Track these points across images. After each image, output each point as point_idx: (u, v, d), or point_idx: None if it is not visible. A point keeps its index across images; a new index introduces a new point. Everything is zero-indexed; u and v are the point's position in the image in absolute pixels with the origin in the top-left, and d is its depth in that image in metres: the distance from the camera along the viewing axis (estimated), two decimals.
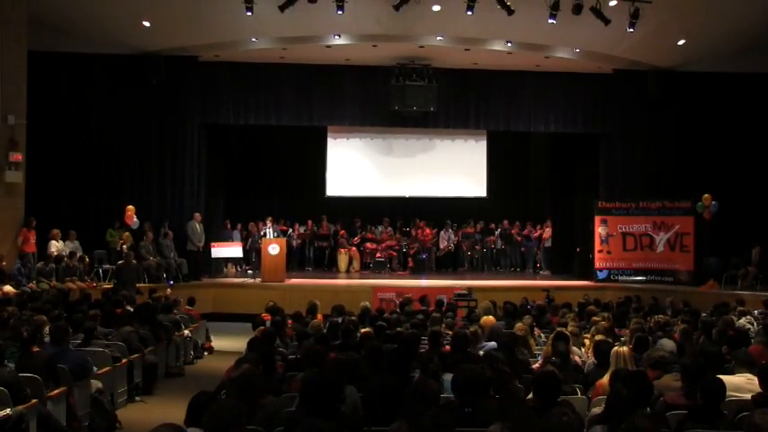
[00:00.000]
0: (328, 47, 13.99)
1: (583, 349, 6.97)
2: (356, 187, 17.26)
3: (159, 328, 8.97)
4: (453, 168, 17.30)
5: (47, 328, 6.84)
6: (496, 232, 17.61)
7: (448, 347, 6.33)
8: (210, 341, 11.37)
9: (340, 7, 11.66)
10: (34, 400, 5.36)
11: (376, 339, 6.66)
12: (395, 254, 17.11)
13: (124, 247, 12.90)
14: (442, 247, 17.51)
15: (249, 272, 15.86)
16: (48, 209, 13.62)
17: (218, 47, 14.36)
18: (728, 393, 4.32)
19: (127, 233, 13.33)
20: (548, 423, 3.25)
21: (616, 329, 7.81)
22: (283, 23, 12.56)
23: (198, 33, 13.76)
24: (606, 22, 12.03)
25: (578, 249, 16.34)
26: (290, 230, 17.13)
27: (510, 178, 18.78)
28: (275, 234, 15.82)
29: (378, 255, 16.78)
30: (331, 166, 17.19)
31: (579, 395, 5.22)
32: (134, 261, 12.58)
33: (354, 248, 17.14)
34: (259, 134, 17.63)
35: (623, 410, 3.70)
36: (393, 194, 17.44)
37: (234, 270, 16.23)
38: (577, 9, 11.76)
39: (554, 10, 11.76)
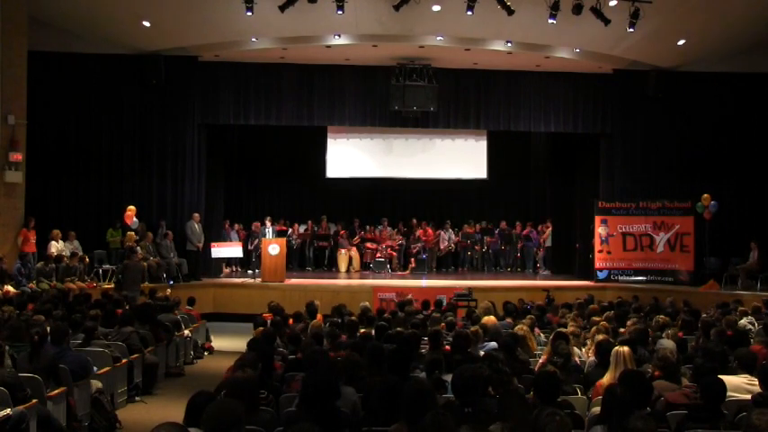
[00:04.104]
0: (328, 47, 13.98)
1: (583, 349, 6.97)
2: (356, 171, 17.30)
3: (159, 328, 8.98)
4: (453, 168, 17.34)
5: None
6: (496, 232, 17.62)
7: (448, 347, 6.33)
8: (210, 341, 11.38)
9: (340, 7, 11.66)
10: (34, 400, 5.36)
11: (376, 339, 6.66)
12: (395, 254, 17.12)
13: (139, 249, 12.86)
14: (442, 247, 17.52)
15: (249, 272, 15.86)
16: (48, 209, 13.64)
17: (218, 47, 14.36)
18: (728, 394, 4.32)
19: (131, 233, 13.33)
20: (538, 423, 3.27)
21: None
22: (283, 23, 12.56)
23: (198, 33, 13.76)
24: (606, 22, 12.02)
25: (577, 245, 16.35)
26: (290, 230, 17.14)
27: (509, 178, 18.84)
28: (273, 234, 15.84)
29: (378, 255, 16.78)
30: (331, 162, 17.26)
31: (579, 395, 5.23)
32: (143, 262, 12.63)
33: (354, 248, 17.15)
34: (259, 134, 17.67)
35: (619, 410, 3.71)
36: (393, 176, 17.43)
37: (228, 270, 16.24)
38: (577, 9, 11.76)
39: (554, 10, 11.76)
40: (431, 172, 17.32)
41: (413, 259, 16.91)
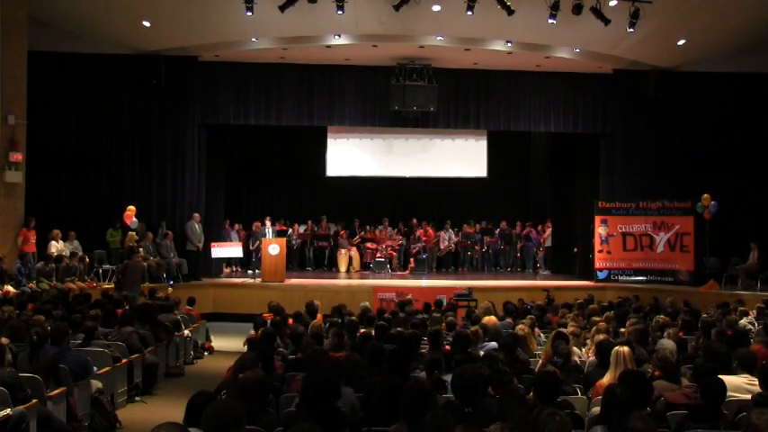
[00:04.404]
0: (328, 47, 13.98)
1: (583, 349, 6.97)
2: (356, 170, 17.28)
3: (159, 328, 8.98)
4: (454, 168, 17.34)
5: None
6: (496, 232, 17.63)
7: (448, 347, 6.33)
8: (210, 341, 11.37)
9: (340, 7, 11.67)
10: (34, 401, 5.36)
11: (376, 339, 6.66)
12: (395, 254, 17.12)
13: (141, 251, 12.87)
14: (442, 247, 17.53)
15: (249, 272, 15.84)
16: (48, 209, 13.64)
17: (218, 47, 14.35)
18: (729, 393, 4.32)
19: (132, 233, 13.34)
20: (538, 424, 3.27)
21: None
22: (283, 23, 12.56)
23: (198, 33, 13.76)
24: (606, 22, 12.03)
25: (575, 248, 16.34)
26: (290, 230, 17.14)
27: (510, 178, 18.86)
28: (273, 234, 15.83)
29: (378, 255, 16.78)
30: (331, 162, 17.24)
31: (579, 395, 5.23)
32: (144, 262, 12.62)
33: (354, 248, 17.15)
34: (259, 134, 17.67)
35: (619, 410, 3.71)
36: (393, 174, 17.40)
37: (228, 271, 16.22)
38: (577, 9, 11.77)
39: (554, 10, 11.77)
40: (431, 171, 17.34)
41: (412, 259, 16.91)
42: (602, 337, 6.42)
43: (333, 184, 17.87)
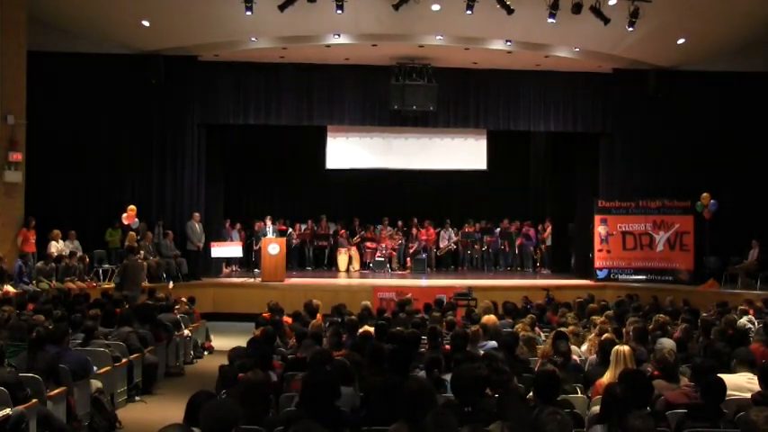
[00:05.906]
0: (328, 46, 13.98)
1: (583, 348, 6.96)
2: (356, 164, 17.15)
3: (159, 327, 8.98)
4: (453, 166, 17.34)
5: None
6: (496, 231, 17.63)
7: (448, 347, 6.33)
8: (210, 341, 11.38)
9: (340, 7, 11.67)
10: (34, 401, 5.36)
11: (377, 339, 6.66)
12: (395, 253, 17.11)
13: (141, 249, 12.88)
14: (442, 246, 17.53)
15: (256, 271, 15.76)
16: (48, 209, 13.63)
17: (218, 47, 14.35)
18: (729, 393, 4.32)
19: (132, 233, 13.33)
20: (539, 423, 3.27)
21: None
22: (283, 23, 12.56)
23: (198, 33, 13.76)
24: (606, 21, 12.04)
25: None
26: (290, 230, 17.12)
27: (509, 177, 18.85)
28: (274, 234, 15.82)
29: (377, 254, 16.77)
30: (330, 161, 17.16)
31: (579, 394, 5.23)
32: (143, 260, 12.62)
33: (354, 248, 17.14)
34: (259, 134, 17.66)
35: (619, 409, 3.71)
36: (394, 167, 17.28)
37: (227, 270, 16.19)
38: (577, 8, 11.77)
39: (554, 9, 11.77)
40: (431, 168, 17.31)
41: (409, 259, 16.91)
42: (607, 336, 6.39)
43: (332, 178, 17.77)
